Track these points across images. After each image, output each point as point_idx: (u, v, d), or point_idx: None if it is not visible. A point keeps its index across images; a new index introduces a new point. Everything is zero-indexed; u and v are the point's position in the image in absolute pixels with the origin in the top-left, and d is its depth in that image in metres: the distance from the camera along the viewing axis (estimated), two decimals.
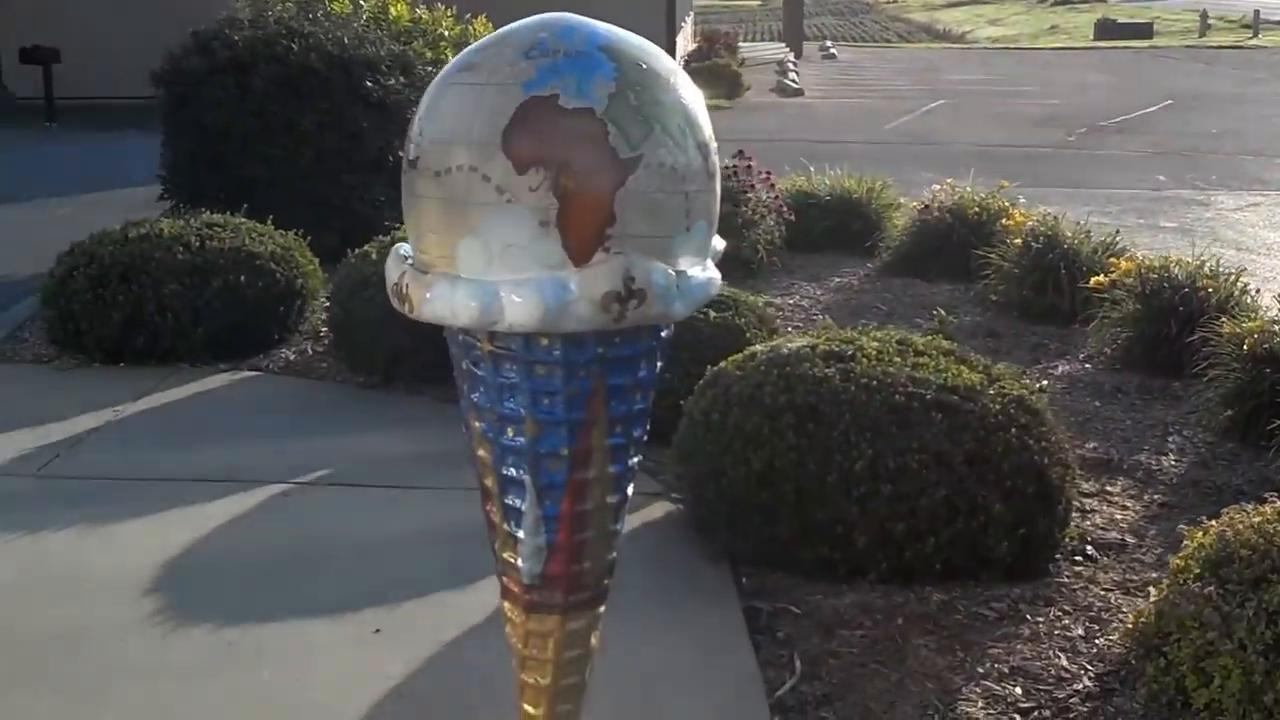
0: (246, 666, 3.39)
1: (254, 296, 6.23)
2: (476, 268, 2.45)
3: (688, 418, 4.25)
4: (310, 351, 6.39)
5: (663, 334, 2.66)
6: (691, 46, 28.01)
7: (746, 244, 8.17)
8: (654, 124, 2.43)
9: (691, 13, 34.30)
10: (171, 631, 3.58)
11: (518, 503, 2.67)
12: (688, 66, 23.84)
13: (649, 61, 2.48)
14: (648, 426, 2.73)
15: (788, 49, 33.31)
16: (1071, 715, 3.26)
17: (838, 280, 8.21)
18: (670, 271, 2.48)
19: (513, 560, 2.73)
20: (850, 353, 4.16)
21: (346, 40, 8.12)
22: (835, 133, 17.74)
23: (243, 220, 6.71)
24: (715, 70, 23.50)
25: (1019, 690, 3.35)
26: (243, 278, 6.20)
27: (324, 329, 6.46)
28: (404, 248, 2.64)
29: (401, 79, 8.25)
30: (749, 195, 8.37)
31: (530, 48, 2.45)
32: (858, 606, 3.78)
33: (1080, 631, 3.65)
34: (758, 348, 4.40)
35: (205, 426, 5.31)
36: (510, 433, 2.62)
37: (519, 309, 2.42)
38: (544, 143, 2.37)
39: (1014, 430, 3.93)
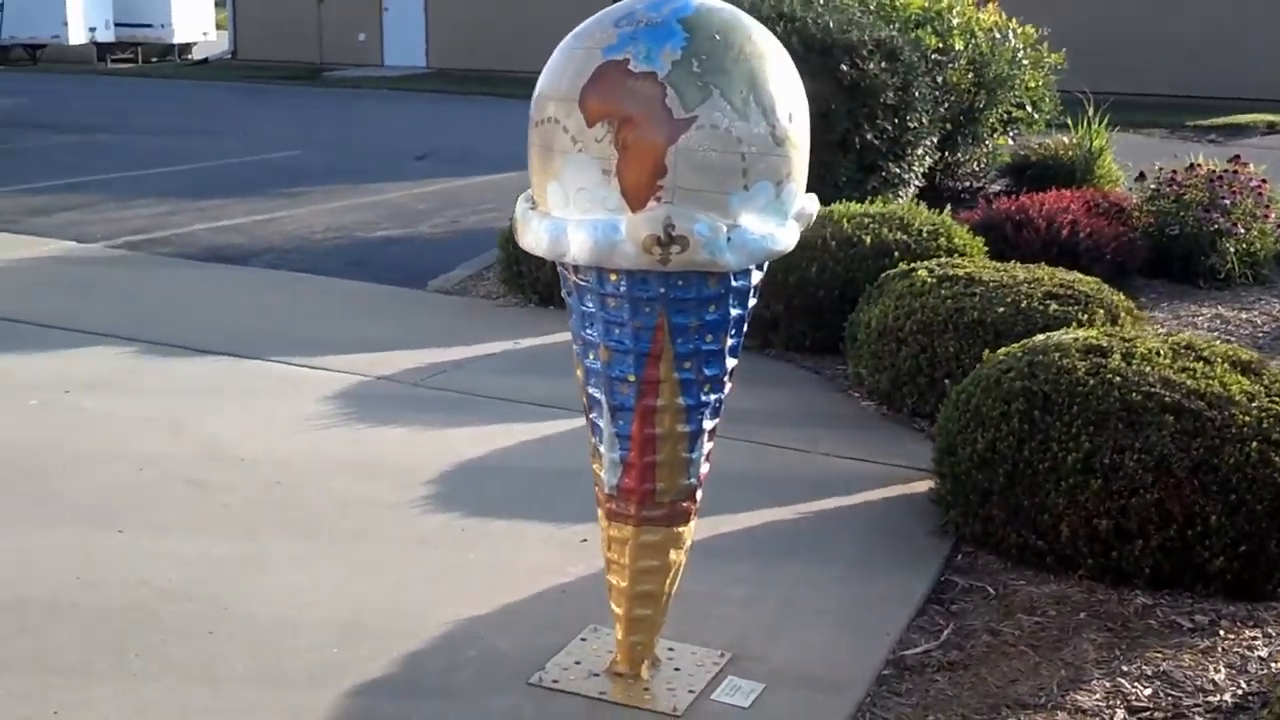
0: (462, 548, 3.94)
1: None
2: (557, 206, 2.84)
3: (948, 396, 4.36)
4: None
5: (734, 283, 2.89)
6: None
7: (1216, 251, 7.82)
8: (713, 90, 2.70)
9: None
10: (424, 513, 4.19)
11: (598, 420, 3.03)
12: None
13: (726, 35, 2.75)
14: (725, 367, 2.98)
15: None
16: None
17: None
18: (718, 224, 2.73)
19: (598, 471, 3.08)
20: (1113, 348, 4.11)
21: (832, 24, 8.47)
22: None
23: None
24: None
25: (1147, 691, 3.28)
26: None
27: None
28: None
29: (883, 64, 8.49)
30: (1226, 201, 7.97)
31: (622, 18, 2.80)
32: (1053, 597, 3.79)
33: (1263, 653, 3.48)
34: (1039, 336, 4.41)
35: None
36: (591, 356, 2.99)
37: (577, 245, 2.79)
38: (610, 100, 2.71)
39: (1256, 444, 3.76)
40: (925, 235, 6.27)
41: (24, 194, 10.76)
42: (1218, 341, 4.46)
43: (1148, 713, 3.20)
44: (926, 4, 9.93)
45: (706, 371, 2.97)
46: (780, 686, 3.23)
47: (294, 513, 4.15)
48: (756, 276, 2.97)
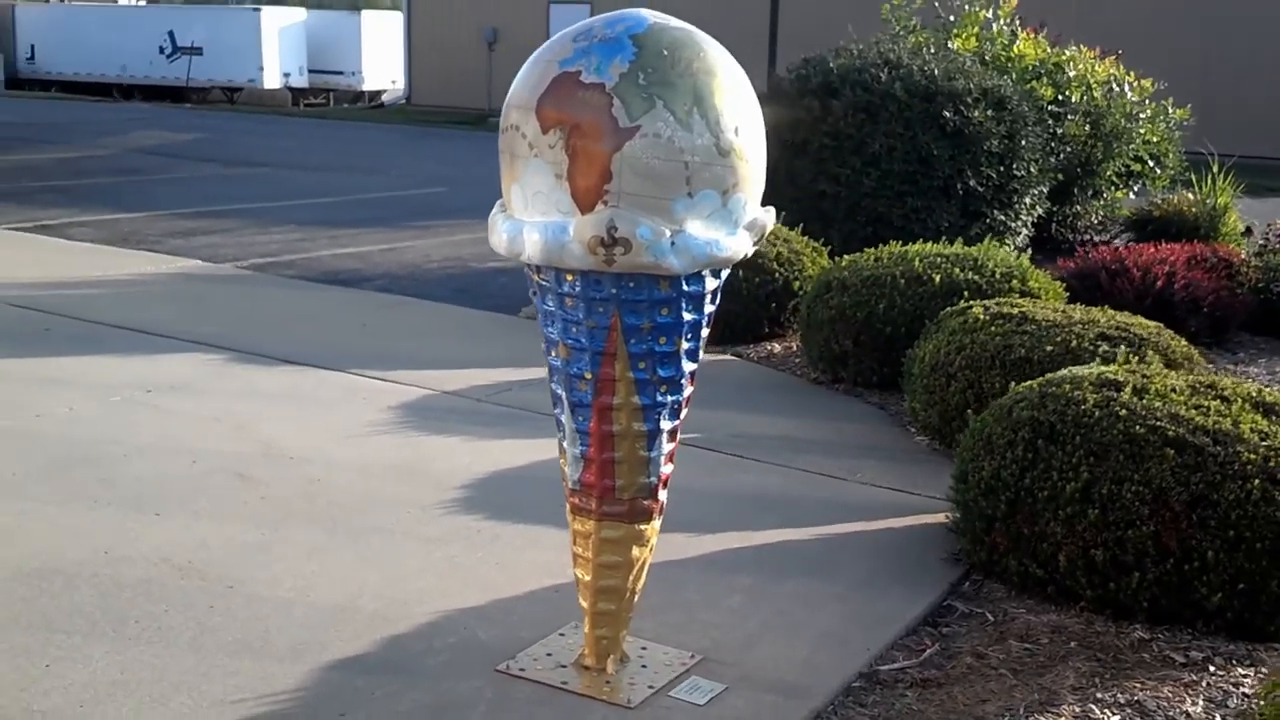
0: (472, 547, 4.11)
1: (749, 290, 6.90)
2: (518, 209, 3.01)
3: (970, 425, 4.39)
4: (794, 347, 6.95)
5: (687, 288, 3.01)
6: None
7: None
8: (657, 101, 2.84)
9: None
10: (446, 514, 4.37)
11: (561, 416, 3.18)
12: None
13: (675, 51, 2.90)
14: (682, 369, 3.09)
15: None
16: None
17: None
18: (661, 228, 2.87)
19: (563, 466, 3.23)
20: (1127, 383, 4.11)
21: (938, 72, 8.51)
22: None
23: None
24: None
25: (1115, 718, 3.28)
26: (741, 272, 6.88)
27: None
28: None
29: (989, 112, 8.50)
30: None
31: (580, 34, 2.98)
32: (1049, 626, 3.80)
33: (1248, 690, 3.44)
34: (1062, 371, 4.42)
35: None
36: (553, 354, 3.15)
37: (530, 244, 2.96)
38: (562, 108, 2.88)
39: (1259, 482, 3.72)
40: (998, 277, 6.27)
41: (174, 218, 11.33)
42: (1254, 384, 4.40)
43: None
44: (1044, 56, 9.90)
45: (661, 372, 3.09)
46: (743, 689, 3.31)
47: (324, 507, 4.36)
48: (712, 283, 3.08)
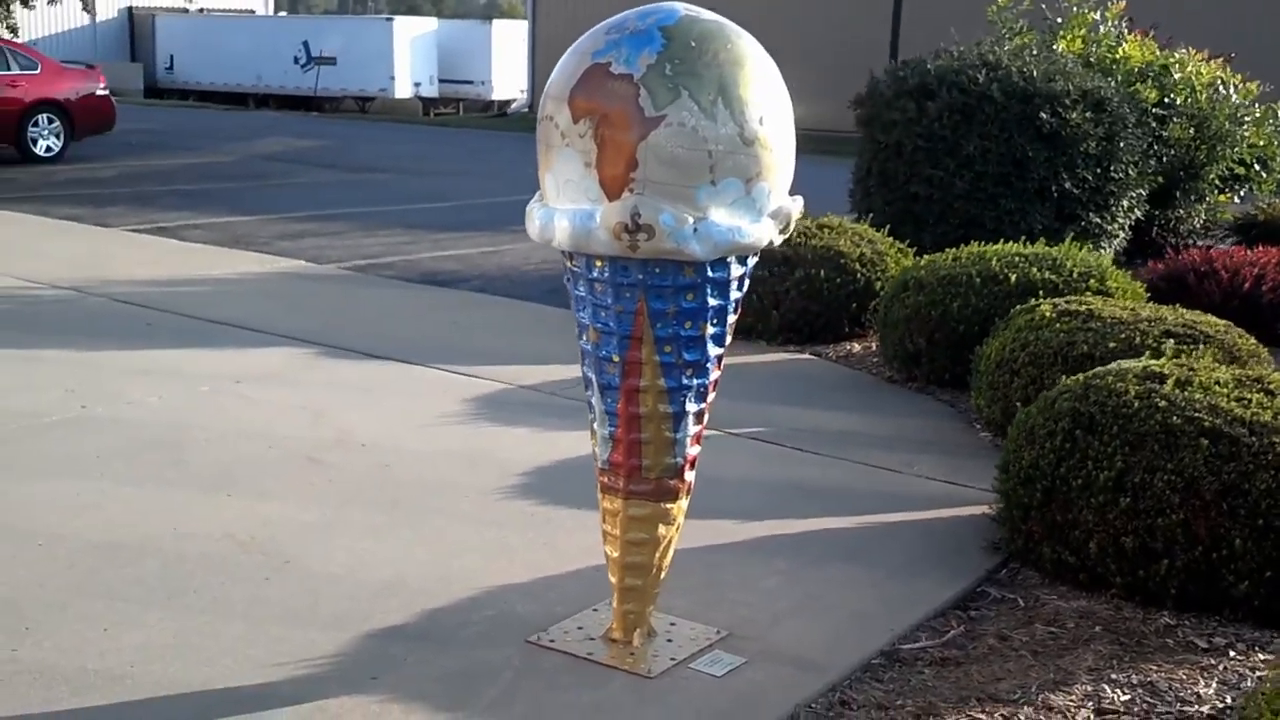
0: (524, 529, 4.28)
1: (830, 291, 6.99)
2: (551, 197, 3.17)
3: (1017, 417, 4.45)
4: (873, 347, 7.02)
5: (711, 274, 3.14)
6: None
7: None
8: (683, 91, 2.97)
9: None
10: (504, 498, 4.55)
11: (591, 398, 3.33)
12: None
13: (703, 42, 3.02)
14: (708, 353, 3.22)
15: None
16: None
17: None
18: (684, 215, 3.00)
19: (594, 446, 3.37)
20: (1171, 375, 4.15)
21: (1037, 74, 8.49)
22: None
23: (856, 225, 7.48)
24: None
25: (1125, 697, 3.34)
26: (823, 273, 6.97)
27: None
28: None
29: (1088, 114, 8.46)
30: None
31: (613, 26, 3.12)
32: (1079, 612, 3.86)
33: (1263, 674, 3.47)
34: (1112, 364, 4.46)
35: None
36: (584, 338, 3.29)
37: (560, 231, 3.12)
38: (592, 98, 3.03)
39: None
40: (1076, 276, 6.27)
41: (287, 221, 11.70)
42: None
43: (1115, 715, 3.27)
44: (1151, 58, 9.80)
45: (687, 356, 3.21)
46: (762, 663, 3.43)
47: (388, 491, 4.56)
48: (737, 269, 3.19)
